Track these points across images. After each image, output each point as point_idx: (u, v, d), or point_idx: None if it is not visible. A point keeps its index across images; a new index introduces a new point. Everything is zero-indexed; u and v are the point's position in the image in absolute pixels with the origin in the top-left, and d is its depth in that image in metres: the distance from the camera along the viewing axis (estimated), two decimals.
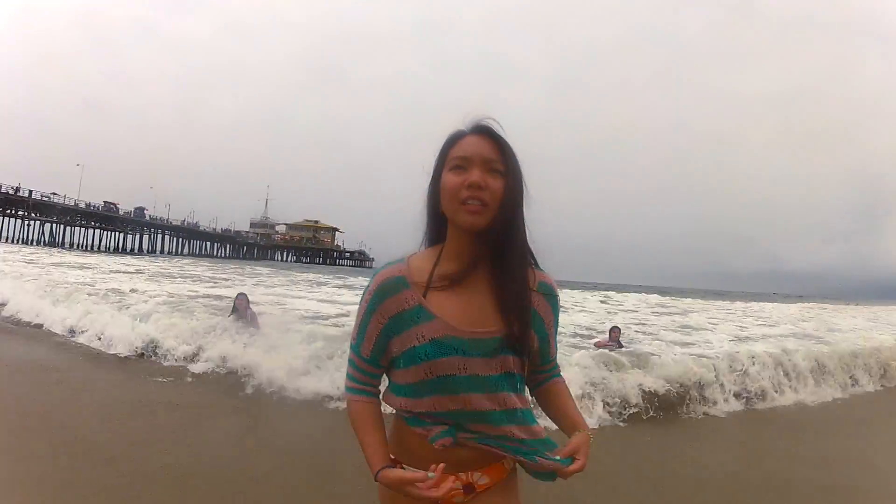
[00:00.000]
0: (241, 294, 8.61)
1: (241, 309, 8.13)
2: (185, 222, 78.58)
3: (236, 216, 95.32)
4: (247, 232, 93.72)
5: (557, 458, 1.30)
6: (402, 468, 1.28)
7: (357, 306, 1.35)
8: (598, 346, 9.10)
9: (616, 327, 9.78)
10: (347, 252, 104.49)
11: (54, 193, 59.97)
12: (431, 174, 1.32)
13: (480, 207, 1.22)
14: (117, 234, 67.80)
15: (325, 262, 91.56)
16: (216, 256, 77.39)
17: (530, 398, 1.43)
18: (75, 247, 59.32)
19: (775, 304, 34.62)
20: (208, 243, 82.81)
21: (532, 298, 1.32)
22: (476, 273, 1.29)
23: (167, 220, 75.65)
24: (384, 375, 1.36)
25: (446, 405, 1.27)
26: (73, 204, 61.23)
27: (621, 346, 9.08)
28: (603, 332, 10.84)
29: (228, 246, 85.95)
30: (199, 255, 72.66)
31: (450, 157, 1.27)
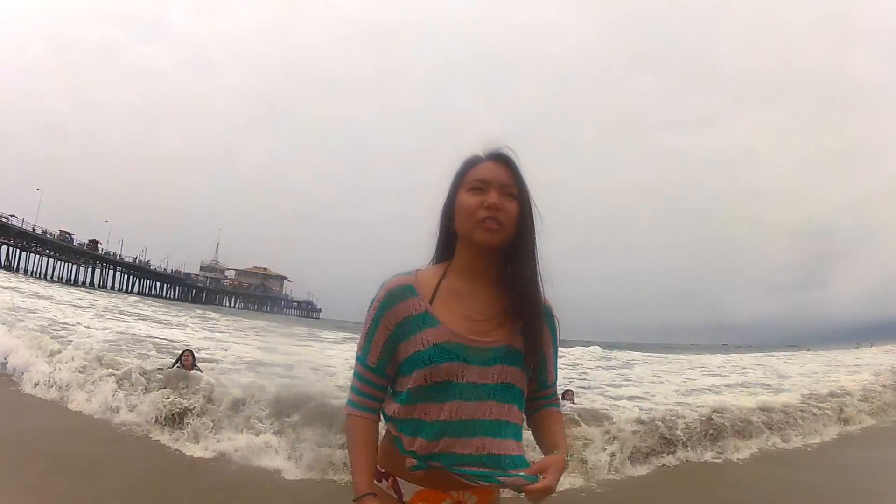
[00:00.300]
0: (187, 350, 8.67)
1: (186, 365, 8.16)
2: (137, 260, 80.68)
3: (187, 257, 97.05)
4: (196, 275, 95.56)
5: (522, 474, 1.31)
6: (395, 480, 1.37)
7: (363, 320, 1.40)
8: None
9: (570, 391, 9.72)
10: (295, 301, 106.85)
11: (13, 216, 60.87)
12: (447, 195, 1.41)
13: (496, 226, 1.32)
14: (71, 265, 69.82)
15: (272, 311, 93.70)
16: (165, 297, 79.31)
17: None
18: (29, 273, 60.65)
19: (728, 354, 35.13)
20: (158, 283, 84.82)
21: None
22: (484, 288, 1.38)
23: (120, 257, 77.77)
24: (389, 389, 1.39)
25: (434, 414, 1.31)
26: (31, 229, 62.71)
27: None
28: None
29: (178, 287, 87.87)
30: (149, 295, 74.55)
31: (467, 179, 1.38)
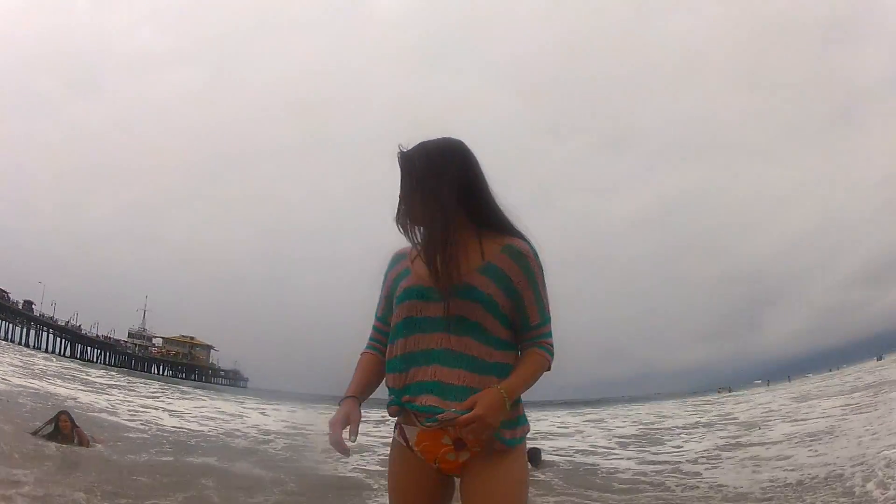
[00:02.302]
0: (62, 412, 8.03)
1: (64, 430, 7.52)
2: (70, 324, 74.94)
3: (115, 323, 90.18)
4: (125, 341, 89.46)
5: (454, 409, 1.44)
6: (401, 426, 1.62)
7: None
8: None
9: (536, 449, 9.49)
10: (222, 370, 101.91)
11: None
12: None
13: (402, 231, 1.65)
14: (6, 323, 63.71)
15: (199, 379, 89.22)
16: (96, 363, 73.77)
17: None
18: None
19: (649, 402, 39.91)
20: (90, 348, 78.63)
21: (496, 259, 1.57)
22: None
23: (54, 319, 72.08)
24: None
25: (401, 348, 1.59)
26: None
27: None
28: None
29: (109, 353, 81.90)
30: (81, 359, 69.30)
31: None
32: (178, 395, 26.41)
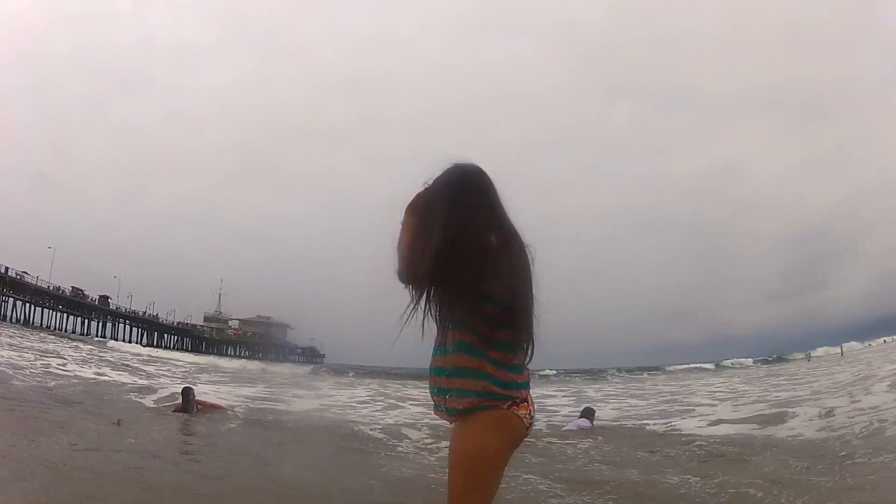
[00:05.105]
0: (186, 387, 9.84)
1: (189, 401, 9.24)
2: (147, 314, 79.23)
3: (191, 309, 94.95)
4: (202, 326, 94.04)
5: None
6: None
7: None
8: (577, 429, 9.02)
9: (591, 408, 9.82)
10: (299, 348, 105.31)
11: (25, 273, 59.75)
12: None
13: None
14: (83, 319, 68.11)
15: (277, 359, 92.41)
16: (173, 348, 77.67)
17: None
18: (44, 327, 59.32)
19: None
20: (167, 335, 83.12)
21: None
22: None
23: (133, 311, 76.38)
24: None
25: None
26: (46, 286, 61.70)
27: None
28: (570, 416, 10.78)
29: (186, 339, 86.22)
30: (159, 346, 73.08)
31: None
32: None
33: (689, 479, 5.95)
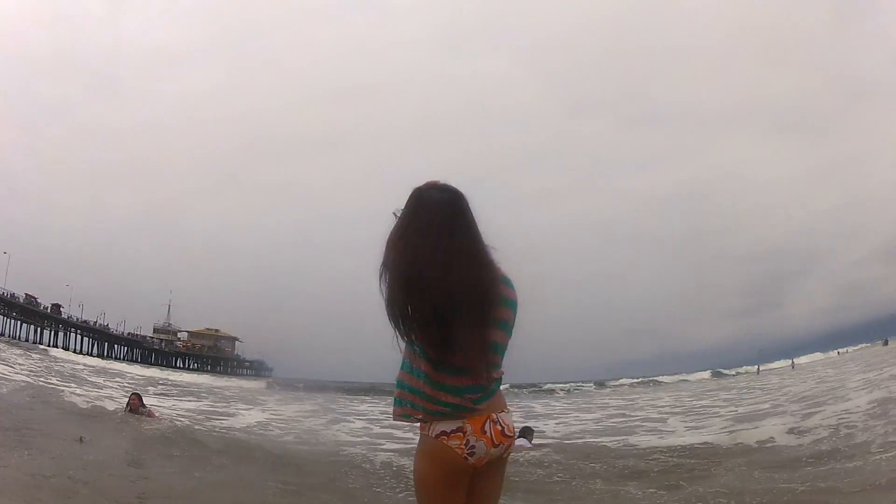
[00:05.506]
0: (134, 393, 10.88)
1: (133, 406, 10.10)
2: (97, 324, 79.13)
3: (141, 320, 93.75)
4: (151, 337, 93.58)
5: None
6: None
7: None
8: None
9: (529, 428, 9.82)
10: (247, 361, 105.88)
11: None
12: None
13: None
14: (36, 327, 67.90)
15: (225, 372, 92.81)
16: (123, 360, 77.68)
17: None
18: None
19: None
20: (117, 346, 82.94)
21: None
22: None
23: (83, 321, 76.26)
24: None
25: None
26: (0, 292, 61.63)
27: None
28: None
29: (136, 350, 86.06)
30: (108, 357, 73.12)
31: None
32: None
33: (655, 492, 5.95)
